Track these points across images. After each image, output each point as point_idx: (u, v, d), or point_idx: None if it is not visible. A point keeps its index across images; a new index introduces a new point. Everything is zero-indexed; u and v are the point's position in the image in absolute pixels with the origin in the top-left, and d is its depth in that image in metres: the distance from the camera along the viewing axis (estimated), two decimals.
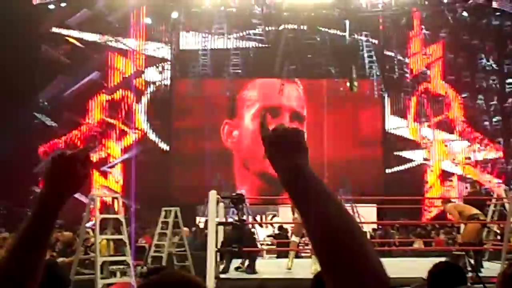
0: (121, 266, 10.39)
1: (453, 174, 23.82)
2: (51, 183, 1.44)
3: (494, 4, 22.74)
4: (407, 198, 17.95)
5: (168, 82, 23.43)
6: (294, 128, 1.30)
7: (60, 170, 1.44)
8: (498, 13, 23.31)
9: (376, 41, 23.94)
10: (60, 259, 10.64)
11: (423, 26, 24.13)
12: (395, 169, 23.71)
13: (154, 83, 23.33)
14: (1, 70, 20.05)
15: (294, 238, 10.37)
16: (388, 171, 23.65)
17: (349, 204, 18.92)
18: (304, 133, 1.31)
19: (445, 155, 23.98)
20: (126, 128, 22.96)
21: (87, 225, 12.24)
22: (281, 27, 23.22)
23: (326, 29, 23.31)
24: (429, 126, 24.04)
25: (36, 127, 22.41)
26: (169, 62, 23.49)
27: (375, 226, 17.78)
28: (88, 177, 1.47)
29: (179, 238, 13.60)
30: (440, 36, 24.30)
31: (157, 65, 23.44)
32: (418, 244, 14.69)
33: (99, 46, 23.09)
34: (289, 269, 9.74)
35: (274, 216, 19.16)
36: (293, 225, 11.01)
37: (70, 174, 1.45)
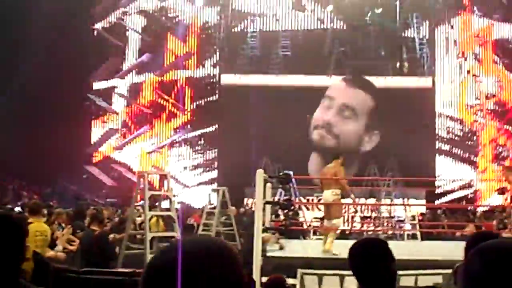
0: None
1: (505, 159, 23.29)
2: None
3: None
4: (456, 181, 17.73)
5: (216, 64, 23.51)
6: None
7: None
8: None
9: (427, 22, 23.56)
10: (111, 236, 10.93)
11: (475, 7, 23.61)
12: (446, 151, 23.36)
13: (203, 65, 23.48)
14: (55, 53, 20.56)
15: (335, 221, 10.09)
16: (438, 156, 23.29)
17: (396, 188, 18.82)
18: None
19: (498, 139, 23.46)
20: (175, 110, 23.23)
21: (138, 204, 12.52)
22: (330, 8, 23.03)
23: (375, 10, 23.01)
24: (481, 109, 23.54)
25: (88, 108, 22.91)
26: (218, 44, 23.57)
27: (423, 209, 17.62)
28: None
29: (226, 217, 13.79)
30: (493, 17, 23.71)
31: (207, 47, 23.57)
32: (470, 229, 14.48)
33: (150, 28, 23.38)
34: (328, 251, 9.56)
35: (321, 198, 19.13)
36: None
37: None
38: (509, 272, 1.33)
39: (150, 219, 11.11)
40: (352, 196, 10.55)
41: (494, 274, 1.34)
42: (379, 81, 22.91)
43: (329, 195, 9.96)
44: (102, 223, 8.97)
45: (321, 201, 10.38)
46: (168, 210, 11.28)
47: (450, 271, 8.13)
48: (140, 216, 11.85)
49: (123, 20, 23.26)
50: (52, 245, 8.85)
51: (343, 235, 13.75)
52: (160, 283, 1.20)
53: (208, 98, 23.39)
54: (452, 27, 23.77)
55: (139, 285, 1.23)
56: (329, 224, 10.23)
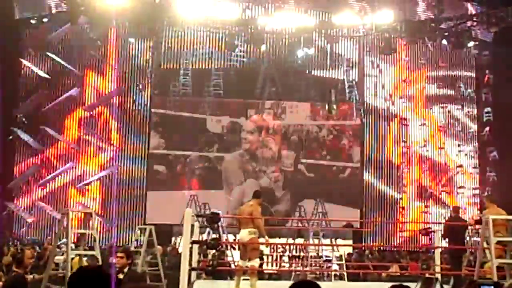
0: None
1: (429, 199, 23.92)
2: None
3: (473, 34, 22.91)
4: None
5: (147, 100, 23.30)
6: None
7: None
8: (477, 43, 23.52)
9: (356, 66, 24.15)
10: (30, 276, 10.45)
11: (403, 53, 24.41)
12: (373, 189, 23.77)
13: (134, 101, 23.18)
14: None
15: (252, 263, 10.01)
16: (365, 193, 23.65)
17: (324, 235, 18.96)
18: None
19: (422, 180, 24.08)
20: (103, 146, 22.75)
21: (60, 242, 12.08)
22: (262, 48, 23.20)
23: (307, 51, 23.31)
24: (407, 151, 24.16)
25: (12, 142, 22.17)
26: (149, 80, 23.39)
27: (350, 250, 17.76)
28: None
29: (152, 257, 13.45)
30: (420, 63, 24.57)
31: (138, 83, 23.31)
32: (394, 269, 14.67)
33: (79, 63, 22.93)
34: None
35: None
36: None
37: None
38: None
39: (72, 258, 10.70)
40: (266, 237, 10.36)
41: None
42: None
43: (245, 234, 9.78)
44: (21, 264, 8.51)
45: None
46: (91, 249, 10.90)
47: None
48: (62, 254, 11.41)
49: (50, 53, 22.65)
50: None
51: (273, 276, 13.67)
52: None
53: (138, 134, 23.05)
54: (380, 71, 24.44)
55: None
56: (244, 265, 10.02)
